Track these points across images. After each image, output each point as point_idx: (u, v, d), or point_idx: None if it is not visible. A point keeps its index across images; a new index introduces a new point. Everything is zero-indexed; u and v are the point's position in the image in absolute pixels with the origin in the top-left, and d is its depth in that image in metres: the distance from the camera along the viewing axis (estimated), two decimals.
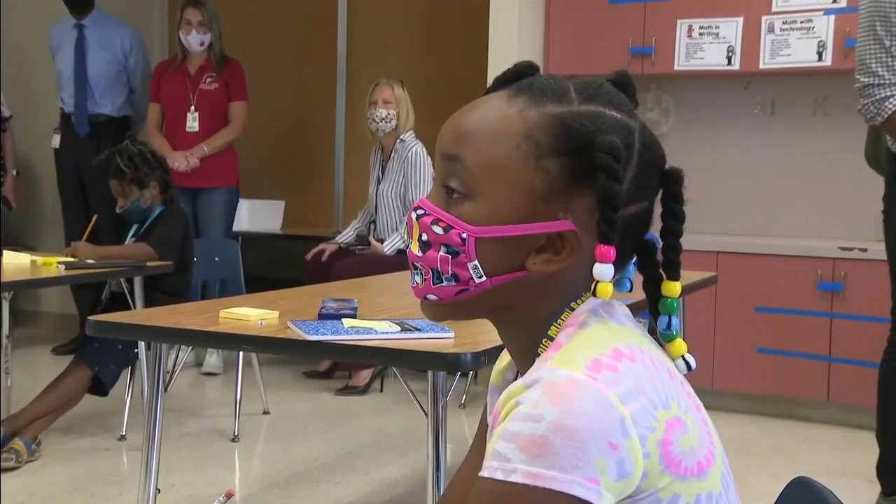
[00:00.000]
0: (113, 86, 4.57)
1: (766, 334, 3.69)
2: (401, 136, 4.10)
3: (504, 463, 0.71)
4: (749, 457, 3.19)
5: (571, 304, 0.82)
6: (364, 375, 3.99)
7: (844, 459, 3.22)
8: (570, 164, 0.79)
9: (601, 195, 0.78)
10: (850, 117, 3.97)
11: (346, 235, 4.26)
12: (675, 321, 0.85)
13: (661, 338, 0.86)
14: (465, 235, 0.81)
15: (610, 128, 0.80)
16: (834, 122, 4.00)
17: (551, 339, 0.81)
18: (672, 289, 0.85)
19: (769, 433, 3.55)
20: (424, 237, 0.83)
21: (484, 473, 0.73)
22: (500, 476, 0.71)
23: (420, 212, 0.84)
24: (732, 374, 3.75)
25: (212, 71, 4.35)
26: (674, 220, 0.84)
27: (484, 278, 0.81)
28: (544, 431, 0.70)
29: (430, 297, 0.85)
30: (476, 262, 0.81)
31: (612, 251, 0.78)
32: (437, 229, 0.82)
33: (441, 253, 0.82)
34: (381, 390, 4.03)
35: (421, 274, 0.85)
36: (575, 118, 0.80)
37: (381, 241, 4.05)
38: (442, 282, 0.83)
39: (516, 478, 0.71)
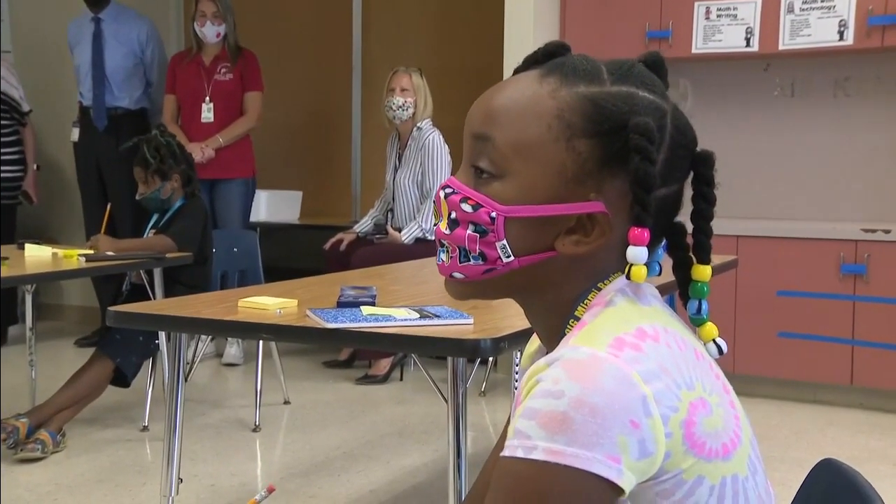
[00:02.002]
0: (130, 79, 4.59)
1: (788, 318, 3.66)
2: (417, 124, 4.09)
3: (525, 441, 0.71)
4: (772, 442, 3.16)
5: (598, 285, 0.81)
6: (384, 364, 3.99)
7: (869, 443, 3.19)
8: (602, 146, 0.78)
9: (635, 177, 0.77)
10: (873, 97, 3.93)
11: (364, 225, 4.26)
12: (705, 305, 0.85)
13: (692, 322, 0.85)
14: (494, 214, 0.80)
15: (643, 109, 0.79)
16: (855, 102, 3.95)
17: (578, 318, 0.80)
18: (703, 273, 0.84)
19: (792, 418, 3.52)
20: (453, 215, 0.82)
21: (506, 452, 0.72)
22: (520, 454, 0.71)
23: (448, 190, 0.83)
24: (754, 359, 3.72)
25: (226, 62, 4.35)
26: (705, 204, 0.83)
27: (512, 258, 0.81)
28: (565, 408, 0.70)
29: (456, 275, 0.84)
30: (504, 242, 0.80)
31: (646, 234, 0.78)
32: (466, 207, 0.81)
33: (469, 231, 0.81)
34: (401, 379, 4.03)
35: (447, 252, 0.84)
36: (607, 99, 0.79)
37: (399, 230, 4.05)
38: (469, 260, 0.82)
39: (537, 455, 0.70)
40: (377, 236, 4.11)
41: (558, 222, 0.80)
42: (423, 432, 3.28)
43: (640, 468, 0.71)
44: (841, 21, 3.65)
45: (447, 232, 0.83)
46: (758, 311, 3.71)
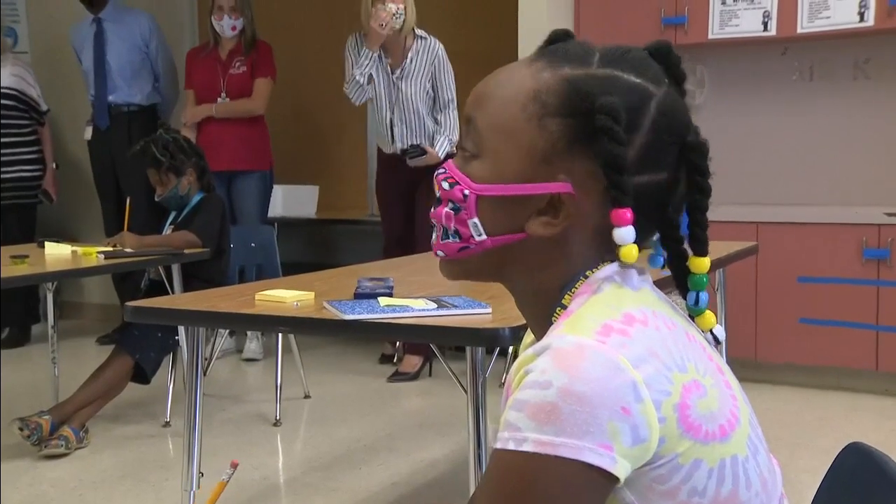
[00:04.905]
0: (138, 75, 4.61)
1: (810, 304, 3.62)
2: (419, 34, 3.90)
3: (515, 433, 0.71)
4: (796, 429, 3.13)
5: (586, 273, 0.81)
6: (415, 362, 3.95)
7: None
8: (573, 126, 0.78)
9: (604, 158, 0.77)
10: (894, 80, 3.86)
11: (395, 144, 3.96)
12: (703, 297, 0.84)
13: (690, 313, 0.84)
14: (466, 192, 0.82)
15: (618, 90, 0.78)
16: (877, 85, 3.89)
17: (565, 307, 0.80)
18: (700, 265, 0.83)
19: (816, 404, 3.48)
20: (437, 193, 0.85)
21: (497, 445, 0.72)
22: (511, 446, 0.71)
23: (440, 170, 0.86)
24: (776, 346, 3.68)
25: (241, 55, 4.35)
26: (698, 195, 0.81)
27: (484, 236, 0.82)
28: (553, 398, 0.70)
29: (439, 252, 0.86)
30: (476, 220, 0.82)
31: (628, 213, 0.77)
32: (445, 185, 0.83)
33: (446, 209, 0.83)
34: (430, 374, 4.00)
35: (435, 230, 0.87)
36: (585, 80, 0.79)
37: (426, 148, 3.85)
38: (448, 238, 0.84)
39: (527, 447, 0.70)
40: (415, 157, 3.85)
41: (529, 203, 0.80)
42: (444, 424, 3.27)
43: (635, 455, 0.70)
44: (861, 2, 3.59)
45: (433, 210, 0.86)
46: (779, 297, 3.67)
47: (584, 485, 0.69)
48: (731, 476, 0.74)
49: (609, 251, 0.80)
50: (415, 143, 3.92)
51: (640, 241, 0.79)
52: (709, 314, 0.83)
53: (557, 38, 0.85)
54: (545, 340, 0.74)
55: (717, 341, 0.82)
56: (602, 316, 0.75)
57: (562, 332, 0.74)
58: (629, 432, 0.69)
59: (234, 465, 0.94)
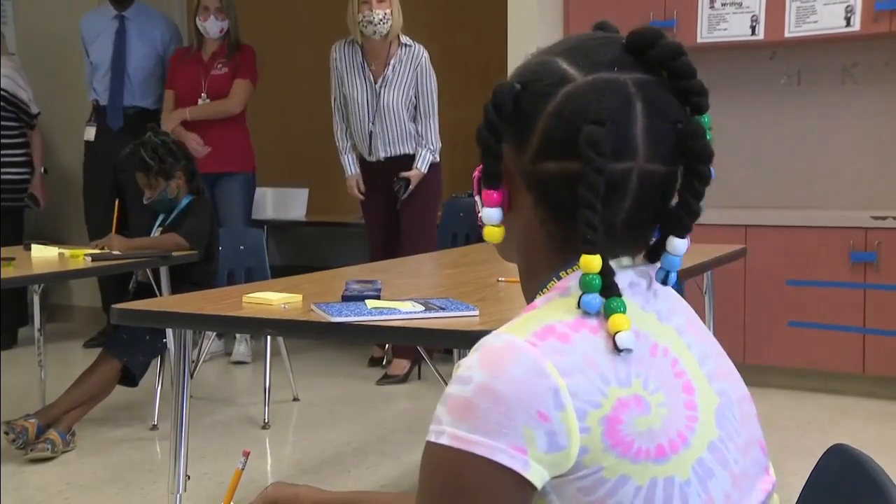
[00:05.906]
0: (150, 78, 4.59)
1: (798, 307, 3.63)
2: (404, 41, 3.86)
3: (437, 425, 0.72)
4: (783, 432, 3.14)
5: (560, 273, 0.80)
6: (403, 365, 3.94)
7: (883, 432, 3.17)
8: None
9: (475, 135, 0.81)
10: (881, 84, 3.89)
11: (350, 165, 4.01)
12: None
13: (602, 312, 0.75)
14: (475, 173, 0.86)
15: (533, 76, 0.79)
16: (864, 89, 3.91)
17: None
18: (589, 264, 0.74)
19: (803, 407, 3.50)
20: None
21: (426, 436, 0.73)
22: (432, 438, 0.72)
23: None
24: (764, 349, 3.69)
25: (223, 57, 4.33)
26: (583, 188, 0.73)
27: (481, 212, 0.86)
28: (469, 394, 0.70)
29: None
30: (477, 197, 0.85)
31: (495, 194, 0.80)
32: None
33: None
34: (420, 377, 4.00)
35: None
36: (521, 66, 0.82)
37: (408, 170, 3.84)
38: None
39: (444, 440, 0.71)
40: (402, 195, 3.87)
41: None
42: None
43: (551, 461, 0.70)
44: (847, 7, 3.62)
45: None
46: (767, 300, 3.68)
47: (497, 484, 0.69)
48: (663, 498, 0.71)
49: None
50: (397, 169, 3.88)
51: (568, 233, 0.76)
52: (616, 318, 0.73)
53: (599, 28, 0.86)
54: (486, 337, 0.74)
55: (617, 349, 0.72)
56: (551, 318, 0.73)
57: (501, 330, 0.74)
58: (545, 438, 0.69)
59: (246, 454, 0.97)
